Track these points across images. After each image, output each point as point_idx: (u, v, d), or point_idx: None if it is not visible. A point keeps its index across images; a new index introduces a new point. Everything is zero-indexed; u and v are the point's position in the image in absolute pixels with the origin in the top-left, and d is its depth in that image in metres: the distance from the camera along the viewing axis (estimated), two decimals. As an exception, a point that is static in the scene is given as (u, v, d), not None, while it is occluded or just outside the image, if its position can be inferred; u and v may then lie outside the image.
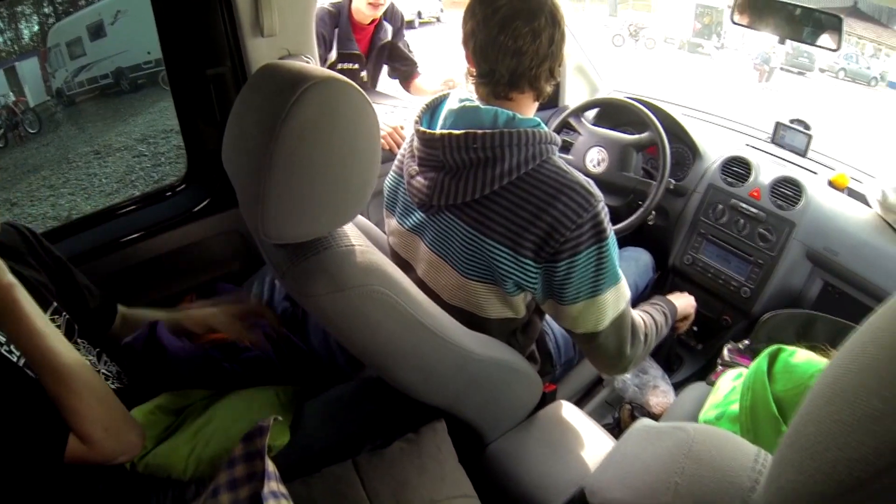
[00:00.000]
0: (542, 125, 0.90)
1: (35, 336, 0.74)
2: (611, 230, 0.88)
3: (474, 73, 0.91)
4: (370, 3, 1.97)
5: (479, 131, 0.86)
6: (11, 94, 5.33)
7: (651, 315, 1.14)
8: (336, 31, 1.99)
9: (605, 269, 0.88)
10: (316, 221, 0.73)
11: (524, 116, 0.89)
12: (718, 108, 2.19)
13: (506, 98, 0.91)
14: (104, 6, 5.61)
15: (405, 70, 2.28)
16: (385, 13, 2.09)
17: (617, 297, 0.93)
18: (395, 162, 1.08)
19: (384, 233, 1.32)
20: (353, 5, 2.00)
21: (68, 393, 0.74)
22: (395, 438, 0.93)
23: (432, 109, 0.98)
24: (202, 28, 1.21)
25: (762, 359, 0.91)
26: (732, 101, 7.92)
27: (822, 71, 12.88)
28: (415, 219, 1.00)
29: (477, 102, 0.90)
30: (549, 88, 0.93)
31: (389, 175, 1.09)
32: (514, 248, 0.86)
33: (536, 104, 0.96)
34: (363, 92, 0.70)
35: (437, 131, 0.90)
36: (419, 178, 0.94)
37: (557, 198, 0.84)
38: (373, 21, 2.06)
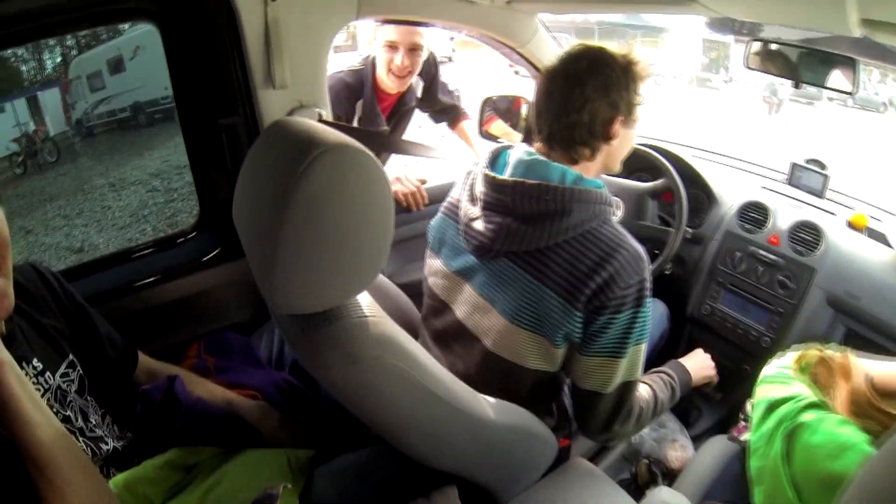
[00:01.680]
0: (604, 188, 0.94)
1: (21, 423, 0.70)
2: (650, 297, 0.92)
3: (540, 134, 0.97)
4: (394, 73, 1.71)
5: (552, 184, 0.90)
6: (32, 122, 5.45)
7: (654, 391, 1.12)
8: (359, 104, 1.75)
9: (634, 332, 0.92)
10: (327, 292, 0.70)
11: (588, 178, 0.94)
12: (731, 145, 2.18)
13: (571, 161, 0.96)
14: (124, 42, 5.76)
15: (451, 115, 2.06)
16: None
17: (632, 364, 0.96)
18: (445, 204, 1.11)
19: (395, 283, 1.30)
20: (378, 73, 1.74)
21: (49, 485, 0.70)
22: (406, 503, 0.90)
23: (494, 157, 1.00)
24: (215, 78, 1.22)
25: (778, 441, 0.88)
26: (744, 135, 7.92)
27: (830, 100, 12.85)
28: (463, 262, 1.02)
29: (545, 158, 0.94)
30: (616, 165, 1.02)
31: (437, 217, 1.13)
32: (568, 300, 0.89)
33: (597, 168, 1.01)
34: (376, 159, 0.68)
35: (508, 178, 0.93)
36: (481, 223, 0.96)
37: (614, 257, 0.88)
38: (409, 89, 1.85)
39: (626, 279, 0.88)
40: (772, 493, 0.88)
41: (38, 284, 0.92)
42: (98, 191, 5.05)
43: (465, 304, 1.02)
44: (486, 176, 0.97)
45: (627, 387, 0.98)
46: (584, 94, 0.92)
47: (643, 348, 0.96)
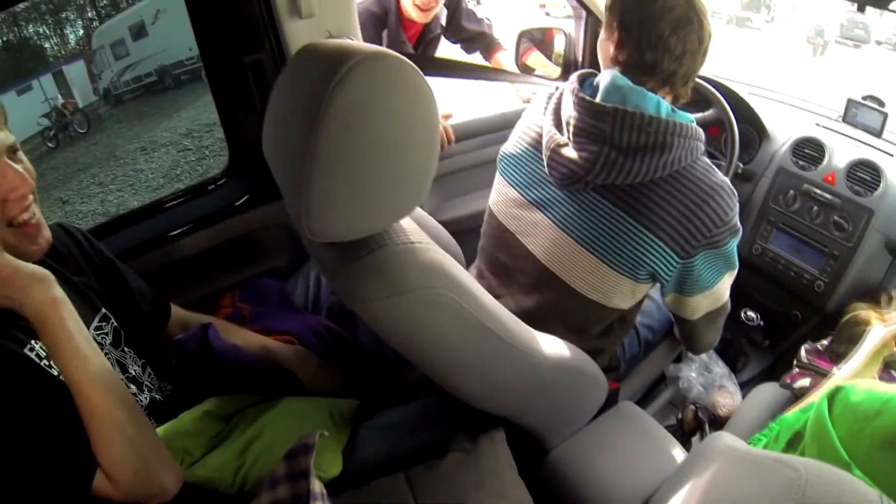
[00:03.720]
0: (694, 121, 0.90)
1: (75, 359, 0.70)
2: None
3: (623, 59, 0.90)
4: (418, 7, 1.72)
5: (653, 115, 0.85)
6: (60, 96, 5.53)
7: None
8: (385, 33, 1.76)
9: (731, 258, 0.95)
10: (367, 217, 0.64)
11: (680, 112, 0.90)
12: (777, 84, 2.05)
13: (654, 93, 0.90)
14: (144, 7, 5.76)
15: (483, 44, 2.01)
16: None
17: (730, 280, 0.99)
18: (520, 130, 1.05)
19: (439, 222, 1.25)
20: (403, 2, 1.76)
21: (99, 428, 0.69)
22: (451, 448, 0.86)
23: (581, 80, 0.94)
24: (236, 13, 1.15)
25: (822, 402, 0.83)
26: (789, 77, 7.52)
27: (878, 43, 12.14)
28: (542, 192, 0.97)
29: (639, 86, 0.88)
30: (688, 94, 0.95)
31: (512, 142, 1.06)
32: (666, 241, 0.88)
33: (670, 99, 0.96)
34: (417, 69, 0.62)
35: (607, 104, 0.87)
36: (570, 150, 0.90)
37: (712, 197, 0.87)
38: (435, 18, 1.82)
39: (723, 217, 0.88)
40: (821, 458, 0.82)
41: (68, 242, 0.92)
42: (130, 156, 5.14)
43: (541, 236, 0.98)
44: (580, 99, 0.90)
45: (727, 304, 1.05)
46: (686, 39, 0.87)
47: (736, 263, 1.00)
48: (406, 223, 0.74)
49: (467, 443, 0.87)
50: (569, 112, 0.91)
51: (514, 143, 1.05)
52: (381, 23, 1.74)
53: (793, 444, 0.88)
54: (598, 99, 0.88)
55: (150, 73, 5.81)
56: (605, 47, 0.94)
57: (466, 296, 0.72)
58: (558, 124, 0.94)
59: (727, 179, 0.90)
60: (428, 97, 0.63)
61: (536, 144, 0.99)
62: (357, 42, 0.65)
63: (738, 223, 0.92)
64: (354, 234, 0.66)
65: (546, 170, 0.95)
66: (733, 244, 0.93)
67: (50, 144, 5.38)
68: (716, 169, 0.91)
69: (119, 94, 5.94)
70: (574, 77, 0.95)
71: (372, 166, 0.62)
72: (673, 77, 0.90)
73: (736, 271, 0.99)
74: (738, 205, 0.91)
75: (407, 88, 0.61)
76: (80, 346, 0.70)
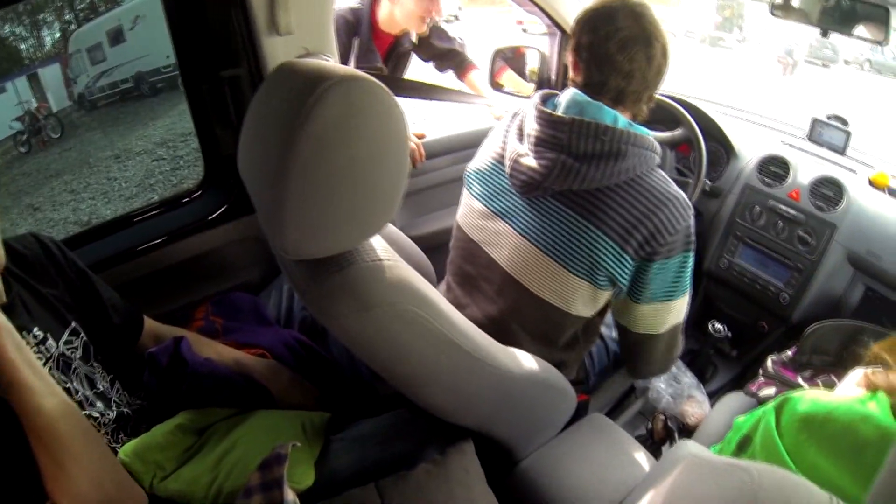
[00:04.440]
0: (651, 135, 0.95)
1: (19, 389, 0.67)
2: (695, 243, 0.96)
3: (578, 81, 0.97)
4: (421, 18, 1.75)
5: (609, 124, 0.89)
6: (34, 100, 5.41)
7: None
8: (355, 41, 1.78)
9: (683, 277, 0.96)
10: (339, 235, 0.66)
11: (636, 124, 0.95)
12: (747, 103, 2.11)
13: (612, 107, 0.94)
14: (123, 12, 5.67)
15: (454, 62, 2.04)
16: None
17: (682, 306, 1.00)
18: (486, 147, 1.10)
19: (410, 237, 1.27)
20: (379, 13, 1.78)
21: (51, 460, 0.67)
22: (421, 459, 0.87)
23: (544, 99, 0.99)
24: (215, 28, 1.16)
25: (769, 414, 0.86)
26: (759, 95, 7.73)
27: (846, 63, 12.52)
28: (505, 202, 1.01)
29: (597, 101, 0.93)
30: (645, 111, 1.01)
31: (477, 159, 1.10)
32: (619, 244, 0.90)
33: (629, 116, 0.99)
34: (389, 91, 0.64)
35: (565, 115, 0.92)
36: (530, 159, 0.94)
37: (665, 203, 0.90)
38: (401, 30, 1.85)
39: (676, 225, 0.90)
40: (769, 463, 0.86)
41: (39, 253, 0.90)
42: (104, 163, 5.03)
43: (504, 245, 1.00)
44: (540, 112, 0.94)
45: (677, 327, 1.04)
46: (633, 58, 0.92)
47: (689, 292, 1.01)
48: (376, 241, 0.76)
49: (437, 454, 0.88)
50: (531, 126, 0.96)
51: (480, 160, 1.09)
52: (353, 30, 1.77)
53: (742, 446, 0.91)
54: (559, 111, 0.93)
55: (126, 80, 5.71)
56: (569, 69, 1.00)
57: (432, 311, 0.74)
58: (521, 138, 0.99)
59: (682, 193, 0.94)
60: (399, 119, 0.64)
61: (501, 159, 1.03)
62: (331, 63, 0.66)
63: (692, 238, 0.94)
64: (326, 252, 0.67)
65: (509, 181, 0.99)
66: (688, 262, 0.95)
67: (22, 149, 5.24)
68: (672, 183, 0.94)
69: (94, 99, 5.82)
70: (537, 96, 0.99)
71: (344, 186, 0.63)
72: (623, 94, 0.94)
73: (687, 296, 1.01)
74: (692, 218, 0.94)
75: (379, 110, 0.63)
76: (21, 376, 0.68)
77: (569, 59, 0.98)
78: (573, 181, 0.90)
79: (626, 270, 0.92)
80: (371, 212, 0.67)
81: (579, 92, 0.94)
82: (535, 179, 0.93)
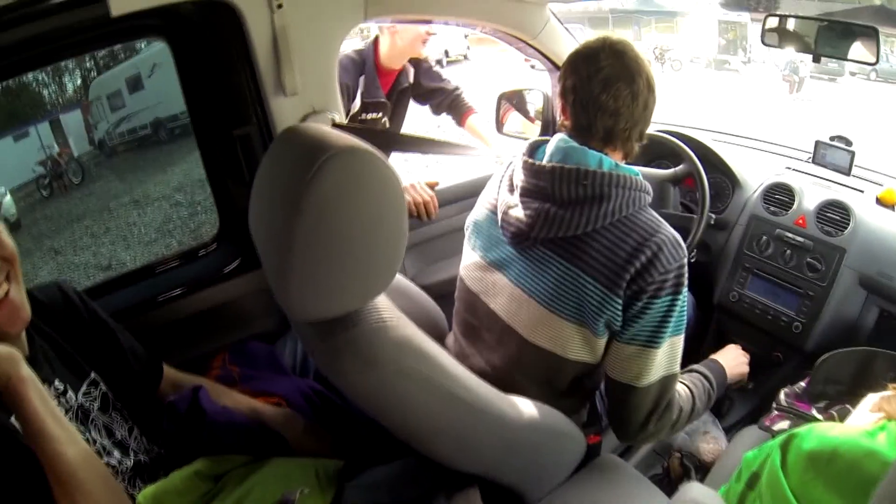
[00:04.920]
0: (640, 175, 0.94)
1: (43, 439, 0.71)
2: (686, 286, 0.93)
3: (567, 125, 0.98)
4: (423, 40, 1.89)
5: (590, 168, 0.90)
6: (56, 144, 5.57)
7: (692, 393, 1.09)
8: (361, 79, 1.91)
9: (671, 321, 0.92)
10: (343, 297, 0.70)
11: (623, 165, 0.95)
12: (753, 127, 2.12)
13: (600, 152, 0.95)
14: (141, 60, 5.85)
15: (449, 103, 2.10)
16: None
17: (671, 355, 0.95)
18: (482, 198, 1.12)
19: (421, 287, 1.29)
20: (381, 52, 1.91)
21: (68, 502, 0.71)
22: None
23: (533, 148, 1.01)
24: (226, 89, 1.23)
25: (775, 452, 0.86)
26: (766, 116, 7.72)
27: (852, 74, 12.47)
28: (500, 253, 1.02)
29: (582, 145, 0.94)
30: (636, 149, 1.00)
31: (475, 210, 1.12)
32: (607, 286, 0.89)
33: (623, 162, 0.99)
34: (387, 160, 0.68)
35: (546, 163, 0.94)
36: (518, 210, 0.96)
37: (653, 241, 0.89)
38: (401, 67, 1.97)
39: (665, 263, 0.89)
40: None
41: (61, 304, 0.94)
42: (123, 208, 5.13)
43: (501, 294, 1.02)
44: (525, 162, 0.97)
45: (665, 382, 0.96)
46: (617, 95, 0.92)
47: (680, 342, 0.96)
48: (381, 300, 0.79)
49: (443, 499, 0.89)
50: (518, 176, 0.98)
51: (477, 212, 1.12)
52: (360, 69, 1.89)
53: (752, 484, 0.90)
54: (545, 160, 0.95)
55: (144, 126, 5.86)
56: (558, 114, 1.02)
57: (434, 367, 0.77)
58: (511, 188, 1.01)
59: (675, 233, 0.93)
60: (395, 185, 0.69)
61: (494, 210, 1.05)
62: (332, 131, 0.71)
63: (684, 281, 0.92)
64: (330, 313, 0.71)
65: (501, 232, 1.01)
66: (676, 305, 0.91)
67: (44, 192, 5.37)
68: (664, 222, 0.94)
69: (114, 145, 5.95)
70: (526, 145, 1.02)
71: (346, 250, 0.67)
72: (612, 134, 0.94)
73: (674, 351, 0.95)
74: (684, 259, 0.92)
75: (376, 180, 0.67)
76: (45, 426, 0.72)
77: (557, 104, 1.01)
78: (558, 229, 0.92)
79: (617, 312, 0.90)
80: (372, 274, 0.71)
81: (566, 137, 0.96)
82: (523, 230, 0.95)
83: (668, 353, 0.94)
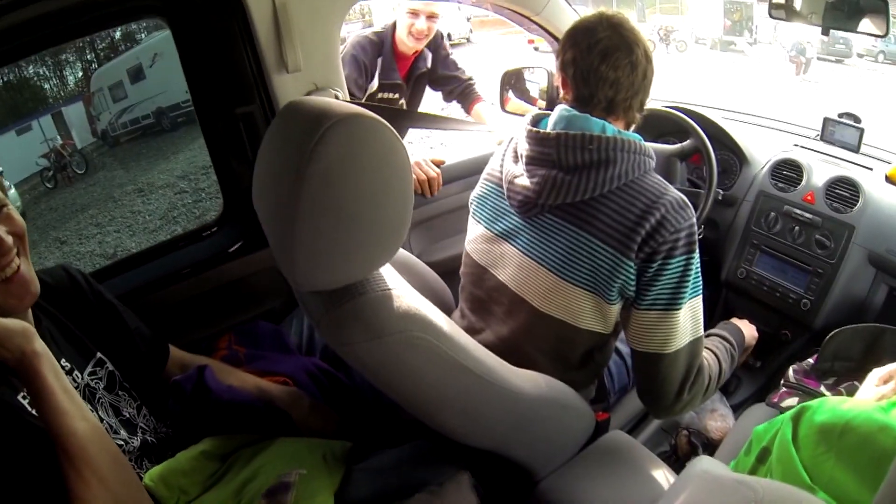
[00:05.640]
0: (642, 140, 0.95)
1: (55, 413, 0.71)
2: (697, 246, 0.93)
3: (568, 98, 0.99)
4: (413, 36, 1.90)
5: (595, 133, 0.91)
6: (59, 137, 5.59)
7: (717, 356, 1.09)
8: (379, 59, 1.94)
9: (688, 281, 0.91)
10: (348, 267, 0.69)
11: (626, 131, 0.96)
12: (760, 107, 2.10)
13: (604, 118, 0.96)
14: (142, 50, 5.85)
15: (461, 91, 2.17)
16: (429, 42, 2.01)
17: (693, 318, 0.94)
18: (485, 173, 1.12)
19: (427, 263, 1.29)
20: (397, 35, 1.94)
21: (78, 480, 0.70)
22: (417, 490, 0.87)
23: (536, 119, 1.02)
24: (227, 67, 1.21)
25: (786, 426, 0.85)
26: (773, 97, 7.65)
27: (860, 56, 12.30)
28: (507, 223, 1.02)
29: (585, 113, 0.95)
30: (638, 118, 1.01)
31: (479, 185, 1.13)
32: (619, 249, 0.89)
33: (623, 124, 1.00)
34: (390, 126, 0.67)
35: (551, 131, 0.94)
36: (524, 178, 0.96)
37: (661, 203, 0.89)
38: (415, 51, 2.01)
39: (675, 223, 0.89)
40: (785, 478, 0.83)
41: (67, 285, 0.95)
42: (128, 197, 5.18)
43: (509, 265, 1.01)
44: (529, 131, 0.97)
45: (693, 346, 0.95)
46: (616, 65, 0.93)
47: (700, 304, 0.95)
48: (386, 271, 0.78)
49: (434, 486, 0.88)
50: (523, 146, 0.98)
51: (481, 186, 1.12)
52: (378, 51, 1.93)
53: (762, 458, 0.89)
54: (548, 128, 0.95)
55: (147, 116, 5.88)
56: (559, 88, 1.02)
57: (442, 337, 0.76)
58: (516, 159, 1.01)
59: (682, 195, 0.93)
60: (400, 153, 0.67)
61: (499, 182, 1.05)
62: (335, 101, 0.70)
63: (695, 240, 0.92)
64: (336, 283, 0.70)
65: (507, 202, 1.00)
66: (692, 265, 0.91)
67: (48, 185, 5.41)
68: (669, 185, 0.94)
69: (117, 135, 6.00)
70: (528, 116, 1.02)
71: (351, 219, 0.66)
72: (613, 104, 0.96)
73: (696, 312, 0.95)
74: (693, 220, 0.92)
75: (381, 146, 0.66)
76: (58, 400, 0.72)
77: (558, 78, 1.01)
78: (566, 195, 0.92)
79: (631, 277, 0.91)
80: (378, 243, 0.70)
81: (567, 107, 0.96)
82: (530, 198, 0.95)
83: (690, 315, 0.94)
